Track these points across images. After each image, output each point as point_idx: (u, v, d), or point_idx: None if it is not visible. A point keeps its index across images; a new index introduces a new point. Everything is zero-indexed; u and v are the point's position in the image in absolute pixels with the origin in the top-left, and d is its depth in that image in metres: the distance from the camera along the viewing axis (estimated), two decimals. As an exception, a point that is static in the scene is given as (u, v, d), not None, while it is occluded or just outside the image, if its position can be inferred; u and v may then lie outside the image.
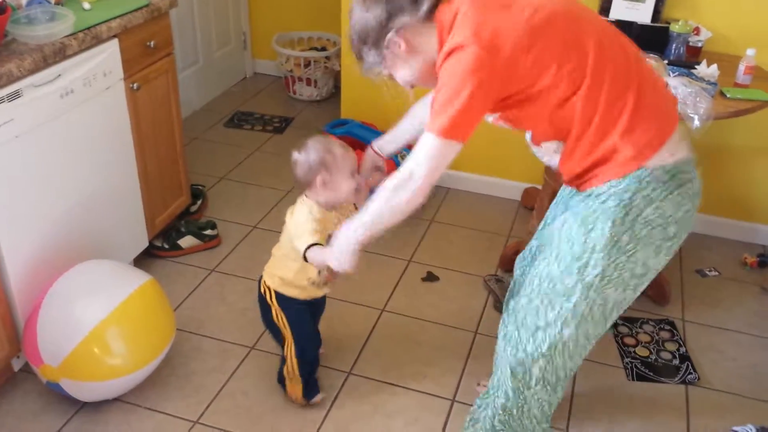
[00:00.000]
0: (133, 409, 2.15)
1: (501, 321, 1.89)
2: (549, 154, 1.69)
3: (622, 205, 1.57)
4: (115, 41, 2.35)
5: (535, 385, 1.79)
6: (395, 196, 1.59)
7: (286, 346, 2.11)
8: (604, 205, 1.58)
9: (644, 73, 1.60)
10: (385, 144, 2.00)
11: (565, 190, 1.87)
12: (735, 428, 2.11)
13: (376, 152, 2.00)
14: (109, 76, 2.34)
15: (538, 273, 1.72)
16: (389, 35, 1.59)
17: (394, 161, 3.03)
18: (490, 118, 1.68)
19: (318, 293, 2.10)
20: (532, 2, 1.53)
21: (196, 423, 2.12)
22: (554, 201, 1.94)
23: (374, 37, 1.61)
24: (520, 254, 2.04)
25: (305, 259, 1.86)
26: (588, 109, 1.53)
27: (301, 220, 1.92)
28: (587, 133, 1.56)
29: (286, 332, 2.09)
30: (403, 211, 1.61)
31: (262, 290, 2.11)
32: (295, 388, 2.15)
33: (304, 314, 2.10)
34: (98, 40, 2.26)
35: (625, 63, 1.56)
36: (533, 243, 1.99)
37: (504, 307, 1.97)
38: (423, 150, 1.55)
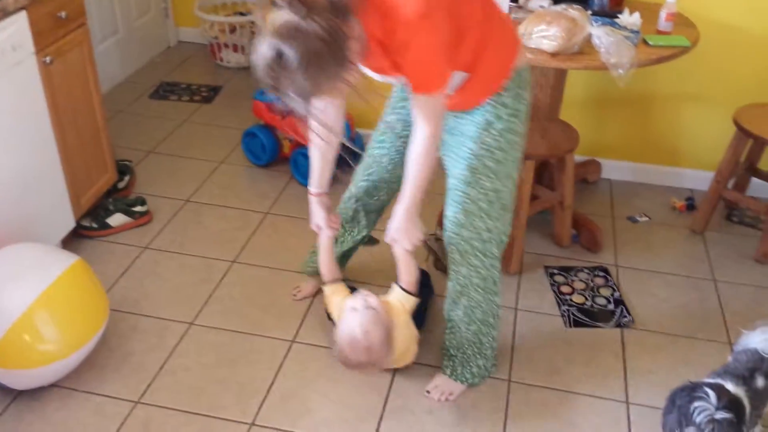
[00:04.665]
0: (71, 393, 2.10)
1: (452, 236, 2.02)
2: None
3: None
4: (23, 13, 2.23)
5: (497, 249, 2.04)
6: (429, 157, 1.80)
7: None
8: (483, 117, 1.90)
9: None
10: (319, 179, 2.10)
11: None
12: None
13: (318, 195, 2.12)
14: (18, 50, 2.23)
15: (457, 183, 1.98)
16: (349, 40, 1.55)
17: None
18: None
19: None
20: None
21: (137, 403, 2.08)
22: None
23: (334, 52, 1.53)
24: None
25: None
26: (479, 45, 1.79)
27: (398, 314, 2.05)
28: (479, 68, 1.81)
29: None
30: (435, 165, 1.85)
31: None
32: None
33: None
34: (4, 13, 2.15)
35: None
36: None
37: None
38: (429, 110, 1.75)
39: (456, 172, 1.96)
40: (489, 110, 1.88)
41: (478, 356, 2.13)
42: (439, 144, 1.83)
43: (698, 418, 1.74)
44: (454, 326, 2.12)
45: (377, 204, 2.33)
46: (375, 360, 1.97)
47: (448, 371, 2.16)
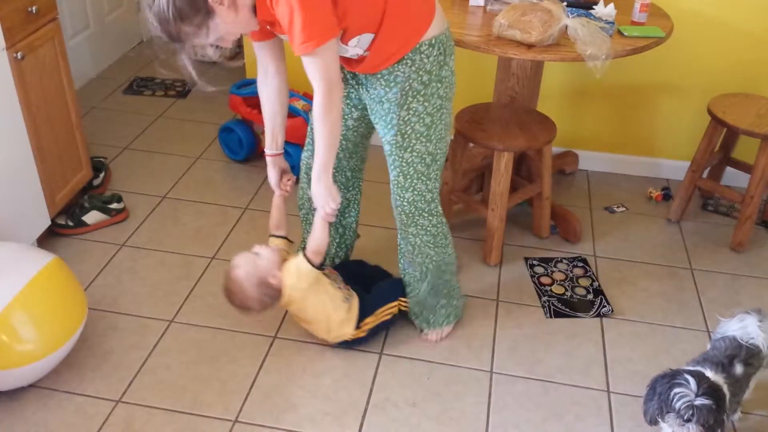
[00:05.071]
0: (50, 394, 2.07)
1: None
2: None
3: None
4: (-8, 8, 2.19)
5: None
6: (330, 116, 1.84)
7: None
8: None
9: None
10: (272, 142, 2.15)
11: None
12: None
13: (272, 155, 2.16)
14: (-12, 46, 2.18)
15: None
16: None
17: (302, 116, 2.97)
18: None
19: (349, 290, 2.22)
20: None
21: (118, 402, 2.05)
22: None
23: (191, 8, 1.64)
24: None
25: (317, 266, 2.08)
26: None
27: (290, 275, 2.08)
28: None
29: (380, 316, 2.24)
30: (339, 122, 1.90)
31: (363, 334, 2.22)
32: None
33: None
34: (-27, 8, 2.10)
35: None
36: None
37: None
38: (315, 71, 1.77)
39: (389, 137, 2.02)
40: (412, 77, 1.92)
41: (443, 300, 2.27)
42: (338, 101, 1.85)
43: (678, 404, 1.76)
44: (410, 283, 2.25)
45: (339, 211, 2.33)
46: (240, 299, 2.08)
47: (425, 326, 2.29)
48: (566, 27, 2.32)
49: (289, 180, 2.21)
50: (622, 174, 3.26)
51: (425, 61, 1.91)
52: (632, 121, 3.17)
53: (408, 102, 1.95)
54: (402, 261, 2.25)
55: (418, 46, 1.88)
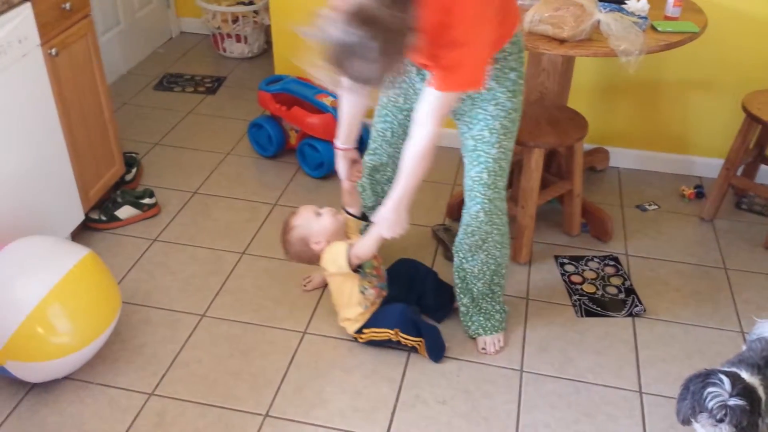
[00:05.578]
0: (85, 386, 2.10)
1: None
2: None
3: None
4: (28, 5, 2.21)
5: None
6: (427, 158, 1.88)
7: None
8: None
9: None
10: (347, 138, 2.16)
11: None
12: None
13: (345, 149, 2.18)
14: (24, 42, 2.21)
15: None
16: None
17: (331, 113, 2.98)
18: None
19: (377, 299, 2.24)
20: None
21: (151, 395, 2.08)
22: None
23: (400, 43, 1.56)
24: None
25: (354, 268, 2.11)
26: None
27: (328, 256, 2.16)
28: None
29: (402, 338, 2.21)
30: (431, 163, 1.92)
31: (361, 340, 2.25)
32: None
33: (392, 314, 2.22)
34: (9, 5, 2.13)
35: None
36: None
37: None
38: (437, 107, 1.80)
39: (474, 133, 2.01)
40: (499, 75, 1.93)
41: (495, 305, 2.27)
42: (437, 142, 1.87)
43: (711, 404, 1.73)
44: (466, 278, 2.23)
45: (385, 180, 2.35)
46: (284, 240, 2.25)
47: (481, 331, 2.27)
48: (599, 22, 2.30)
49: (359, 171, 2.26)
50: (654, 171, 3.22)
51: (509, 58, 1.93)
52: (664, 117, 3.13)
53: (498, 98, 1.96)
54: (459, 256, 2.22)
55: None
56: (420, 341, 2.18)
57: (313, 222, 2.20)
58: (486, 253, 2.18)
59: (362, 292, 2.18)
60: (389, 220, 2.00)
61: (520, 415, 2.06)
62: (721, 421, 1.72)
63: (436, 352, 2.20)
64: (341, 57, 1.52)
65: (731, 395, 1.71)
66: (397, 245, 2.63)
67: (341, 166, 2.22)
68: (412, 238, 2.72)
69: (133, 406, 2.04)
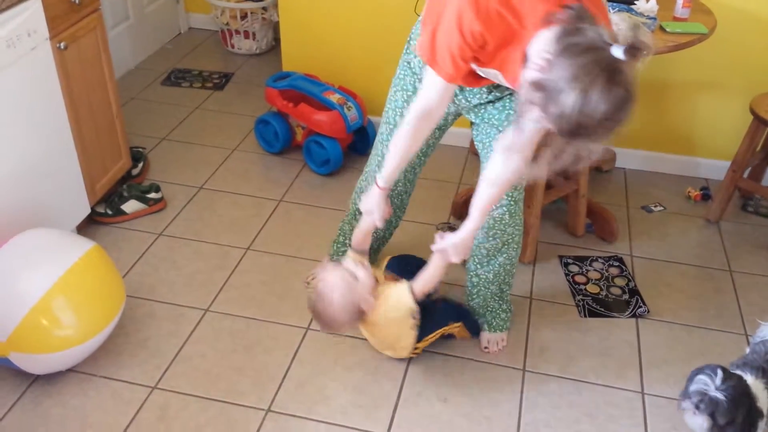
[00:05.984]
0: (88, 378, 2.11)
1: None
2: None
3: None
4: (38, -2, 2.22)
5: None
6: (507, 188, 1.90)
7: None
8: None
9: None
10: (390, 177, 1.99)
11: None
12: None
13: (384, 189, 2.01)
14: (33, 35, 2.22)
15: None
16: None
17: (338, 110, 2.98)
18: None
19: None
20: None
21: (154, 388, 2.09)
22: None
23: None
24: None
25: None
26: None
27: (388, 306, 2.05)
28: None
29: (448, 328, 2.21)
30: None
31: (418, 352, 2.21)
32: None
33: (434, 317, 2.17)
34: (19, -2, 2.14)
35: None
36: None
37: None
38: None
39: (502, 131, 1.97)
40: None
41: (503, 304, 2.29)
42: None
43: (692, 389, 1.73)
44: (479, 283, 2.24)
45: (393, 195, 2.29)
46: (327, 320, 2.02)
47: (486, 327, 2.29)
48: (607, 23, 2.29)
49: (390, 209, 2.10)
50: (660, 173, 3.21)
51: None
52: (671, 118, 3.12)
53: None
54: (475, 260, 2.20)
55: None
56: (459, 325, 2.22)
57: (354, 286, 2.01)
58: (505, 255, 2.17)
59: (413, 318, 2.07)
60: (461, 247, 1.95)
61: (521, 414, 2.06)
62: (697, 407, 1.71)
63: (476, 328, 2.29)
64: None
65: (717, 388, 1.71)
66: (402, 244, 2.64)
67: (382, 207, 2.03)
68: (416, 236, 2.73)
69: (136, 399, 2.05)
